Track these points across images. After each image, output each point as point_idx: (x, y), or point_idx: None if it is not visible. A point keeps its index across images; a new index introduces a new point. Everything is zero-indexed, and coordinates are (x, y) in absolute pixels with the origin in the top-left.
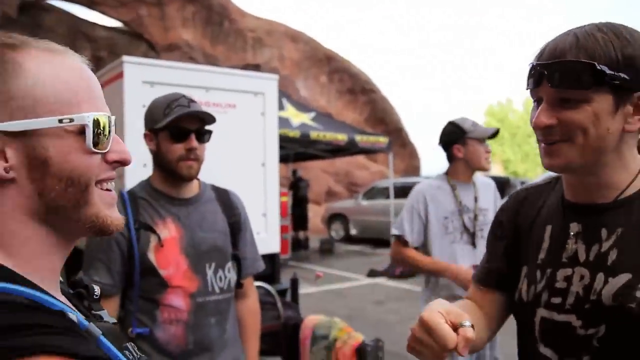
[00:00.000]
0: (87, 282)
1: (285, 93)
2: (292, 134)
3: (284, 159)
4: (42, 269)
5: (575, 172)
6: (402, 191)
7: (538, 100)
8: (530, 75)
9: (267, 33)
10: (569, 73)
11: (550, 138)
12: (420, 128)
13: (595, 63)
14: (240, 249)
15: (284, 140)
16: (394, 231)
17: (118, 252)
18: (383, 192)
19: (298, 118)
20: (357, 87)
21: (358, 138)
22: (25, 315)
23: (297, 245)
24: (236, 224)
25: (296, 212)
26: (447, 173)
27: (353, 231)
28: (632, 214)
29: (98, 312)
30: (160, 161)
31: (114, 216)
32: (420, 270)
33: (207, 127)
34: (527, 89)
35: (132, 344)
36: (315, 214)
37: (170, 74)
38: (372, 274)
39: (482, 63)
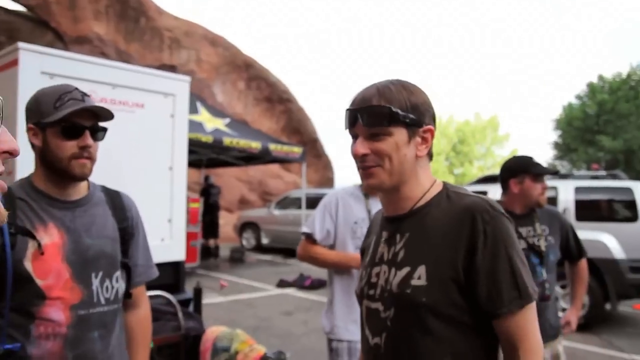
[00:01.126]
0: None
1: (200, 97)
2: (205, 139)
3: (196, 165)
4: None
5: (386, 190)
6: (315, 202)
7: (355, 136)
8: (346, 118)
9: (185, 34)
10: (374, 114)
11: (366, 164)
12: (336, 141)
13: (392, 107)
14: (131, 256)
15: (197, 145)
16: (304, 229)
17: None
18: (295, 202)
19: (212, 123)
20: (275, 96)
21: (272, 147)
22: None
23: (207, 253)
24: (127, 229)
25: (207, 219)
26: (361, 185)
27: (264, 240)
28: (418, 221)
29: None
30: (47, 159)
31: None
32: (327, 265)
33: (102, 124)
34: (345, 129)
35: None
36: (227, 222)
37: (74, 66)
38: (282, 284)
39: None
